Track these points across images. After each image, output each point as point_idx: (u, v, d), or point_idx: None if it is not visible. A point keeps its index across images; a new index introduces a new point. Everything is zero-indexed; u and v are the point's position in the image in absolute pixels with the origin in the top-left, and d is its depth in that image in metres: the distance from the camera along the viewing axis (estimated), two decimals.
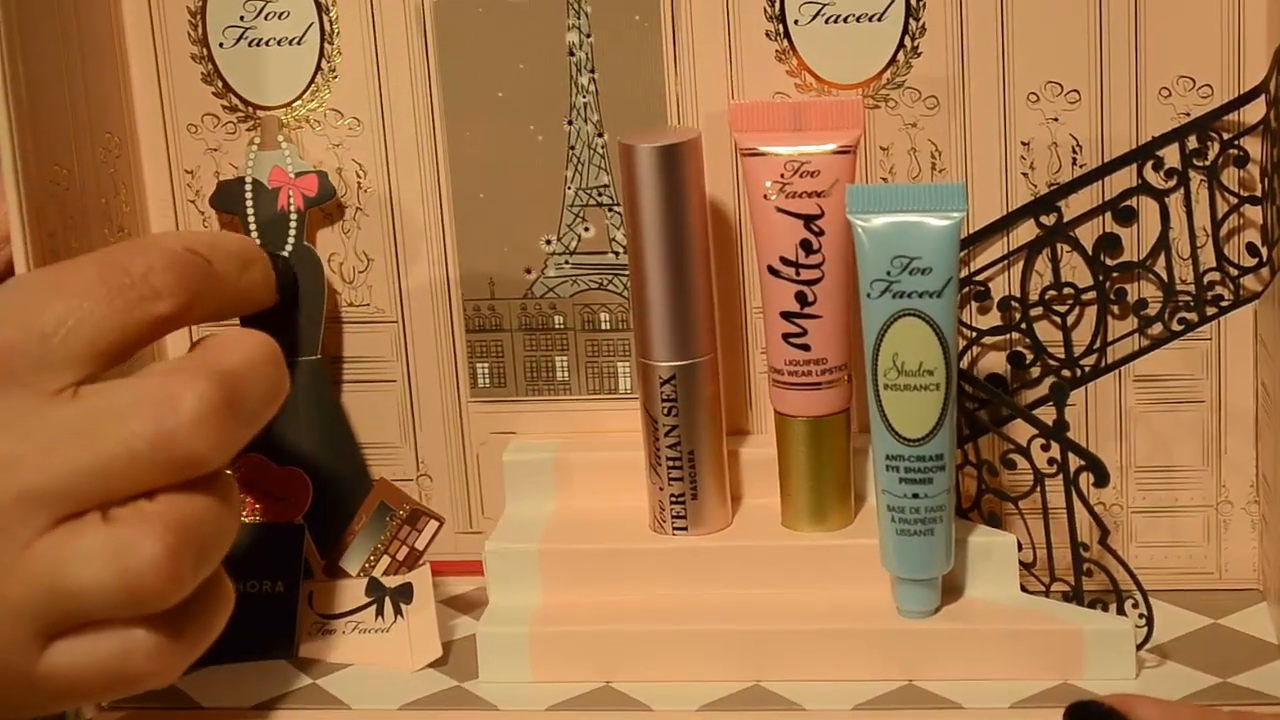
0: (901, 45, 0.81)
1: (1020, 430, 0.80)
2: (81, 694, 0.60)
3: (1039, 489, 0.80)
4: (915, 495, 0.76)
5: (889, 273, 0.75)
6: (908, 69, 0.82)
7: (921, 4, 0.81)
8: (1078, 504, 0.78)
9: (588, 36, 0.83)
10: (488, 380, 0.88)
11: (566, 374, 0.87)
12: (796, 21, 0.82)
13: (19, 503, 0.58)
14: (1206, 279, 0.82)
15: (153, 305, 0.61)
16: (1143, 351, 0.83)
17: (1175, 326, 0.82)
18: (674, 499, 0.82)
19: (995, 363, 0.84)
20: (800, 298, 0.79)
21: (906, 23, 0.81)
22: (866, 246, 0.75)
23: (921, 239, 0.74)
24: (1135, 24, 0.80)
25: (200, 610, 0.61)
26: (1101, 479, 0.77)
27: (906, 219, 0.75)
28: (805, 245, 0.78)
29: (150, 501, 0.59)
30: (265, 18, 0.85)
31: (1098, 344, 0.83)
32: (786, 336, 0.79)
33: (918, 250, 0.74)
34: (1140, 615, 0.78)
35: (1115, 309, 0.83)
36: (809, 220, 0.78)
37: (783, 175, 0.78)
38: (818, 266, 0.78)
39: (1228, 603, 0.84)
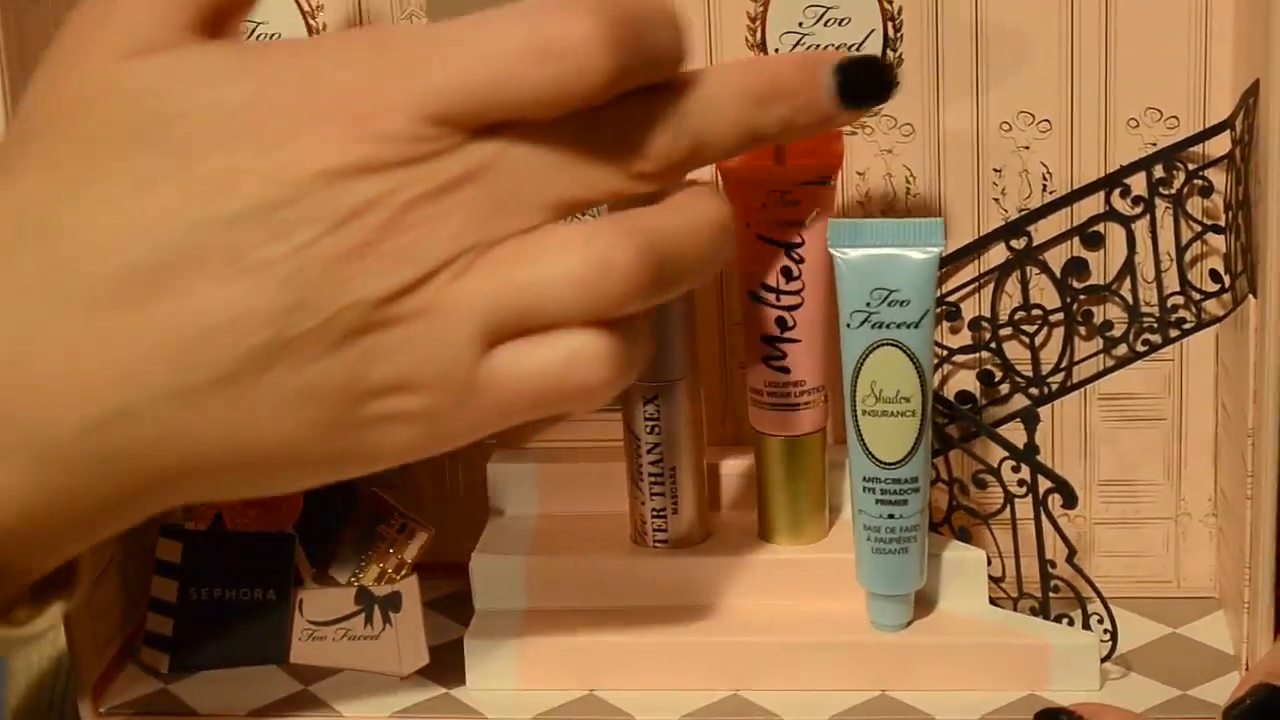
0: None
1: (992, 451, 0.83)
2: (517, 407, 0.60)
3: (1009, 508, 0.83)
4: (891, 515, 0.79)
5: (869, 304, 0.77)
6: None
7: (899, 35, 0.83)
8: (1046, 524, 0.81)
9: None
10: None
11: None
12: (777, 50, 0.84)
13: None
14: (1170, 302, 0.85)
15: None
16: (1107, 371, 0.86)
17: (1139, 347, 0.85)
18: (655, 513, 0.84)
19: (965, 380, 0.86)
20: (780, 322, 0.81)
21: (883, 53, 0.83)
22: (847, 279, 0.77)
23: (900, 272, 0.77)
24: (1105, 57, 0.82)
25: (646, 331, 0.64)
26: (1070, 501, 0.80)
27: (886, 252, 0.77)
28: (786, 272, 0.81)
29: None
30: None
31: (1064, 363, 0.86)
32: (767, 359, 0.82)
33: (897, 283, 0.77)
34: (1105, 630, 0.81)
35: (1082, 330, 0.85)
36: (790, 248, 0.81)
37: (764, 205, 0.80)
38: (798, 293, 0.81)
39: (1185, 610, 0.87)
